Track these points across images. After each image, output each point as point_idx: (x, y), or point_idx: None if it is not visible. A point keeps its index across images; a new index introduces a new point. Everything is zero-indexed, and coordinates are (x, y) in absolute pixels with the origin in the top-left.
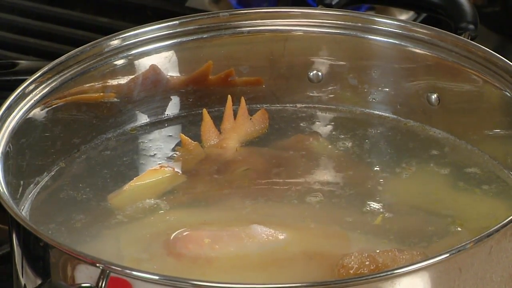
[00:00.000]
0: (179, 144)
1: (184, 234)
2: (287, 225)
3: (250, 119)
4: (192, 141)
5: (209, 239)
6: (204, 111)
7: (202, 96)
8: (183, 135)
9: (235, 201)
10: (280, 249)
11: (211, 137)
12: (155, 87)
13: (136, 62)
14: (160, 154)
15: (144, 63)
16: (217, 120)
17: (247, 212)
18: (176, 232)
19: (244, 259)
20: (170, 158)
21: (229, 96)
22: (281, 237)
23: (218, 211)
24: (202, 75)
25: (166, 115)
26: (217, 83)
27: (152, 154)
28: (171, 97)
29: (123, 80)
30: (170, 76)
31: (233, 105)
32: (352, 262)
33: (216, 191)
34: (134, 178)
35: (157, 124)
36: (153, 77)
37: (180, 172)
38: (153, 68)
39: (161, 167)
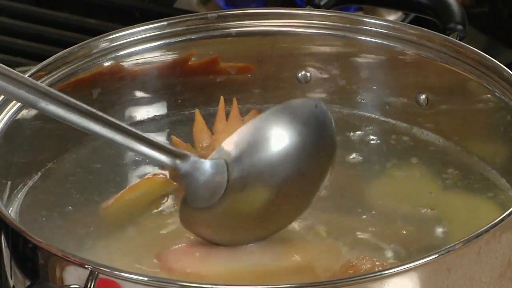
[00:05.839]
0: (169, 144)
1: (175, 248)
2: (280, 238)
3: (242, 120)
4: (184, 143)
5: (200, 254)
6: (197, 111)
7: (190, 97)
8: (175, 137)
9: None
10: (272, 265)
11: (203, 138)
12: (135, 83)
13: (124, 63)
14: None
15: (132, 64)
16: (205, 120)
17: None
18: (167, 246)
19: (235, 275)
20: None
21: (221, 97)
22: (274, 253)
23: None
24: (182, 60)
25: (154, 116)
26: (200, 69)
27: (153, 174)
28: (159, 97)
29: (111, 81)
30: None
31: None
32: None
33: None
34: (127, 188)
35: (145, 124)
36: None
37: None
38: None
39: (153, 175)
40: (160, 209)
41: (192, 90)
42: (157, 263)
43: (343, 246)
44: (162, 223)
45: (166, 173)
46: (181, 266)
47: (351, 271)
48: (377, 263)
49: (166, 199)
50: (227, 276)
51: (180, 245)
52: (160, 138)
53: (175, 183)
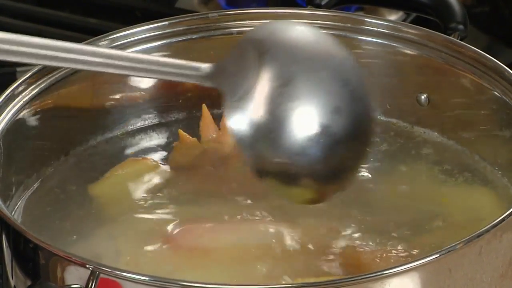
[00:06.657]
0: (172, 146)
1: (182, 226)
2: (284, 220)
3: None
4: (190, 137)
5: (207, 231)
6: (204, 106)
7: (192, 102)
8: (181, 130)
9: (232, 196)
10: (277, 242)
11: (209, 132)
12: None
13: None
14: (151, 156)
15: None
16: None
17: (245, 207)
18: (174, 224)
19: (242, 251)
20: (163, 159)
21: None
22: (279, 230)
23: (215, 206)
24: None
25: (157, 119)
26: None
27: (141, 156)
28: (161, 99)
29: (113, 82)
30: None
31: None
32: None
33: (213, 185)
34: (114, 167)
35: (147, 128)
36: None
37: (166, 165)
38: None
39: (143, 158)
40: (164, 195)
41: (194, 92)
42: (163, 244)
43: (344, 239)
44: (167, 209)
45: (154, 157)
46: (187, 242)
47: (379, 261)
48: (396, 253)
49: (170, 185)
50: (233, 253)
51: (186, 224)
52: (164, 138)
53: (164, 166)
